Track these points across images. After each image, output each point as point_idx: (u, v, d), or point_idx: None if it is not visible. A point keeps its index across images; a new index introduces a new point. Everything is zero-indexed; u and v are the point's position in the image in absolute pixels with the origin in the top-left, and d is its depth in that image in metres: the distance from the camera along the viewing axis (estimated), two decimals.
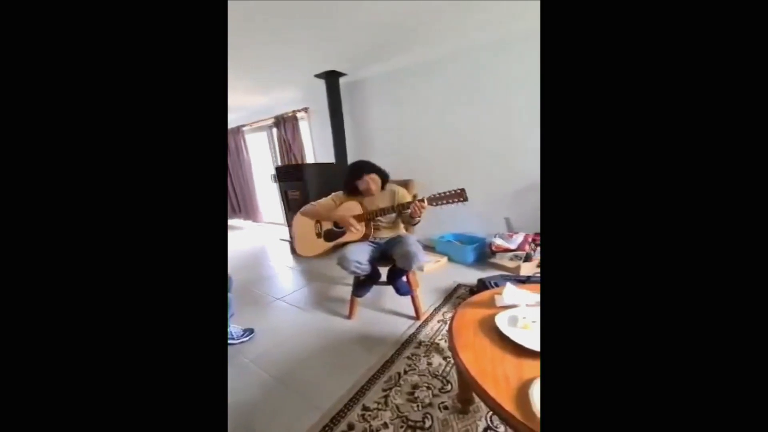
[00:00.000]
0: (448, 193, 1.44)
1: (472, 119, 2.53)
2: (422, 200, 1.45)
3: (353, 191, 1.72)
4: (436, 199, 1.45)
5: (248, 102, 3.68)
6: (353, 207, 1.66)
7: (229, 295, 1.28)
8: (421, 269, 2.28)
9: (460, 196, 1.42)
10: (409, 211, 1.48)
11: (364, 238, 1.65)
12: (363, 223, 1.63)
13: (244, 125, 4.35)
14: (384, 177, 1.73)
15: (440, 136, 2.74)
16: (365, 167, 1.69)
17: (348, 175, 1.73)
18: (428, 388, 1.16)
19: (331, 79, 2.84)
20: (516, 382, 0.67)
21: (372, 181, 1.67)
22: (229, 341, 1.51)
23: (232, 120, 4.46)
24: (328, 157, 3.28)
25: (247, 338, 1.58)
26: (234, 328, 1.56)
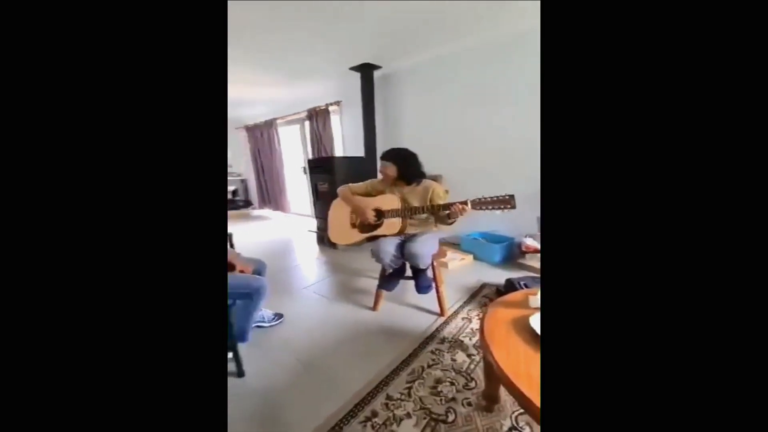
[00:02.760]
0: (495, 198, 1.32)
1: (507, 114, 2.45)
2: (465, 203, 1.37)
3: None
4: (481, 203, 1.34)
5: (281, 95, 3.79)
6: (392, 200, 1.63)
7: (263, 278, 1.35)
8: (445, 266, 2.26)
9: (507, 203, 1.30)
10: (447, 211, 1.43)
11: (400, 232, 1.63)
12: (400, 219, 1.59)
13: (277, 118, 4.49)
14: (407, 171, 1.63)
15: (473, 130, 2.68)
16: (386, 154, 1.65)
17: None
18: (452, 383, 1.16)
19: (366, 71, 2.85)
20: None
21: (383, 169, 1.63)
22: (260, 324, 1.59)
23: (266, 113, 4.63)
24: (357, 150, 3.32)
25: (276, 322, 1.65)
26: (265, 312, 1.64)
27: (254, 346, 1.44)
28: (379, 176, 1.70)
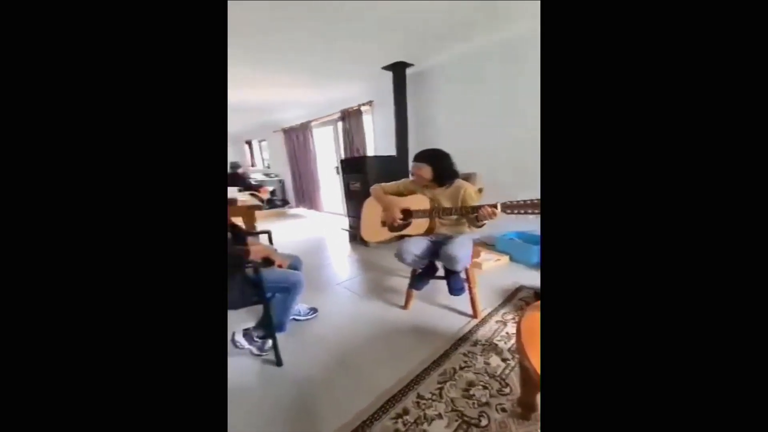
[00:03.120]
0: (526, 202, 1.24)
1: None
2: (495, 206, 1.31)
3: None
4: (512, 207, 1.27)
5: (316, 98, 3.92)
6: (422, 201, 1.63)
7: (299, 273, 1.41)
8: (479, 267, 2.20)
9: (539, 207, 1.21)
10: (476, 214, 1.39)
11: (428, 232, 1.62)
12: (428, 220, 1.59)
13: (312, 120, 4.66)
14: (441, 173, 1.61)
15: (508, 127, 2.57)
16: (420, 155, 1.62)
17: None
18: (485, 387, 1.13)
19: (398, 70, 2.86)
20: None
21: (417, 170, 1.60)
22: (296, 317, 1.67)
23: (302, 116, 4.82)
24: (389, 149, 3.34)
25: (312, 316, 1.72)
26: (301, 306, 1.71)
27: (291, 338, 1.52)
28: (411, 177, 1.70)
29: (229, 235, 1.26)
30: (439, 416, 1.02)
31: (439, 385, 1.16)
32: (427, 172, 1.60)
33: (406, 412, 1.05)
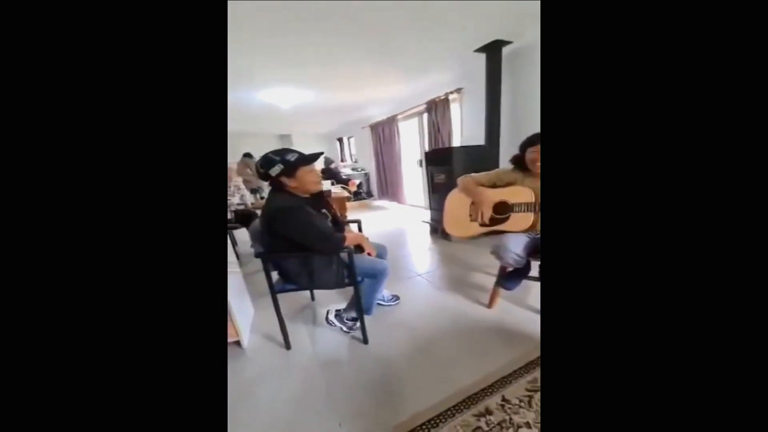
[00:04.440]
0: None
1: None
2: None
3: (521, 164, 1.51)
4: None
5: (401, 92, 3.98)
6: (523, 193, 1.46)
7: (384, 261, 1.49)
8: None
9: None
10: None
11: (531, 229, 1.45)
12: (534, 214, 1.42)
13: (397, 114, 4.77)
14: None
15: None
16: (538, 137, 1.42)
17: (522, 144, 1.50)
18: None
19: (493, 50, 2.61)
20: None
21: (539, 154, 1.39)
22: (380, 302, 1.78)
23: (389, 111, 4.97)
24: (477, 139, 3.17)
25: (394, 303, 1.81)
26: (385, 292, 1.81)
27: (376, 321, 1.63)
28: (529, 163, 1.47)
29: (330, 221, 1.42)
30: (528, 425, 0.96)
31: (529, 393, 1.08)
32: None
33: (489, 412, 1.02)
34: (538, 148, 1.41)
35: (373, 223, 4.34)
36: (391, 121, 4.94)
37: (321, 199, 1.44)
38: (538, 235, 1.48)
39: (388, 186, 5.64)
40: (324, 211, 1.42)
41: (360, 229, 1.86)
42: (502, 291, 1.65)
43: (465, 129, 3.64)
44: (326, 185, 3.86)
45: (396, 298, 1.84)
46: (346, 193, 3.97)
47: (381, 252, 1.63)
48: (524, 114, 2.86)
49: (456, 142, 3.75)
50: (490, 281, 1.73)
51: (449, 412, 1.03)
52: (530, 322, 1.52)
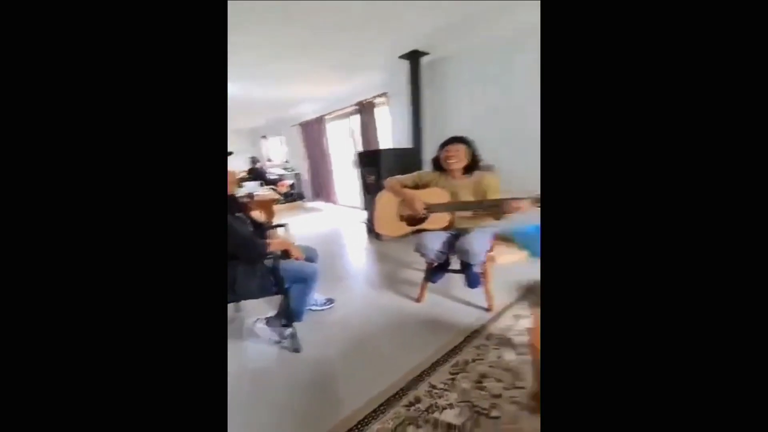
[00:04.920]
0: None
1: None
2: (522, 200, 1.27)
3: (438, 165, 1.63)
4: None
5: (330, 92, 3.95)
6: (440, 195, 1.58)
7: (314, 265, 1.45)
8: (493, 261, 2.17)
9: None
10: (499, 207, 1.35)
11: (448, 227, 1.59)
12: (448, 214, 1.55)
13: (326, 114, 4.69)
14: (474, 158, 1.56)
15: (525, 119, 2.49)
16: (456, 138, 1.56)
17: (440, 146, 1.62)
18: (498, 380, 1.14)
19: (414, 59, 2.81)
20: None
21: (456, 152, 1.53)
22: (313, 307, 1.72)
23: (318, 110, 4.86)
24: (405, 142, 3.32)
25: (328, 307, 1.77)
26: (318, 296, 1.76)
27: (308, 327, 1.57)
28: (443, 162, 1.59)
29: (251, 228, 1.32)
30: (451, 406, 1.04)
31: (452, 376, 1.17)
32: (463, 153, 1.54)
33: (418, 400, 1.08)
34: (449, 147, 1.57)
35: (306, 225, 4.19)
36: (321, 121, 4.84)
37: (234, 202, 1.33)
38: (456, 233, 1.63)
39: (321, 187, 5.52)
40: (239, 215, 1.32)
41: (287, 233, 1.77)
42: (429, 285, 1.77)
43: (394, 132, 3.79)
44: (251, 186, 3.58)
45: (330, 301, 1.81)
46: (275, 195, 3.73)
47: (310, 255, 1.58)
48: (444, 119, 3.12)
49: (386, 144, 3.87)
50: (419, 276, 1.83)
51: (381, 407, 1.05)
52: (454, 310, 1.66)
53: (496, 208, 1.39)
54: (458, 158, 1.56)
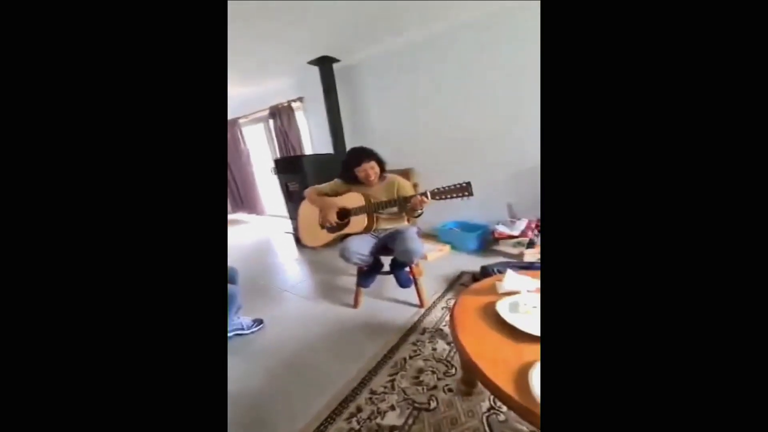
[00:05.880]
0: (452, 187, 1.38)
1: (471, 102, 2.50)
2: (425, 194, 1.40)
3: (351, 179, 1.68)
4: (440, 194, 1.40)
5: (242, 93, 3.65)
6: (356, 198, 1.63)
7: (235, 287, 1.32)
8: (424, 258, 2.31)
9: (465, 190, 1.36)
10: (410, 204, 1.45)
11: (367, 230, 1.63)
12: (366, 216, 1.60)
13: (239, 117, 4.31)
14: (382, 166, 1.68)
15: (437, 121, 2.71)
16: (364, 154, 1.62)
17: (346, 162, 1.67)
18: (433, 372, 1.20)
19: (324, 65, 2.79)
20: (515, 365, 0.70)
21: (371, 169, 1.62)
22: (240, 332, 1.56)
23: (229, 112, 4.42)
24: (326, 146, 3.27)
25: (257, 329, 1.63)
26: (244, 319, 1.60)
27: (235, 355, 1.42)
28: (363, 180, 1.66)
29: None
30: (392, 408, 1.06)
31: (391, 378, 1.20)
32: (375, 165, 1.64)
33: (359, 410, 1.07)
34: (365, 166, 1.62)
35: (229, 241, 3.78)
36: (233, 124, 4.43)
37: None
38: (380, 235, 1.69)
39: (242, 197, 5.04)
40: None
41: None
42: (363, 289, 1.78)
43: (313, 137, 3.70)
44: None
45: (258, 322, 1.66)
46: None
47: (231, 276, 1.43)
48: (362, 124, 3.18)
49: (308, 150, 3.75)
50: (354, 283, 1.82)
51: (322, 426, 1.01)
52: (389, 311, 1.70)
53: (408, 205, 1.48)
54: (374, 172, 1.65)
